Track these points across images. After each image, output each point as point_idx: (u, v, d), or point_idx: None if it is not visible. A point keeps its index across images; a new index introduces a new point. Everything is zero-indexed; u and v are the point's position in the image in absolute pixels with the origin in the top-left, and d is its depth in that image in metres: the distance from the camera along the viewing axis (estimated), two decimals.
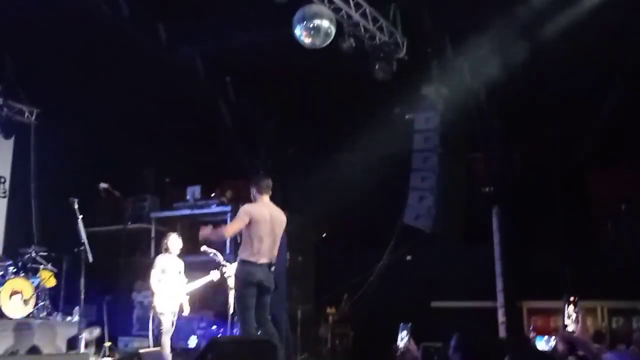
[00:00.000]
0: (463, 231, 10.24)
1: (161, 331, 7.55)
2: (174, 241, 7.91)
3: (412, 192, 9.48)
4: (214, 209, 11.90)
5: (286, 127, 11.06)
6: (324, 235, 11.57)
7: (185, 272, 8.05)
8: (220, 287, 8.48)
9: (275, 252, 6.59)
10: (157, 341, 7.65)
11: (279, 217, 6.72)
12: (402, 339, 6.56)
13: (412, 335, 6.56)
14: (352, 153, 10.81)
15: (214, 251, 7.91)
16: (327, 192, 10.24)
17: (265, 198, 6.72)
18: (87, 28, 9.36)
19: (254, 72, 10.26)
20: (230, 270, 7.62)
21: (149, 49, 9.72)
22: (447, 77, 9.58)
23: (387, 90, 9.17)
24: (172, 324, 7.67)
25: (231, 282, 7.73)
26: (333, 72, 9.23)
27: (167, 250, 7.86)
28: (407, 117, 9.92)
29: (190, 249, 12.01)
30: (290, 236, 9.48)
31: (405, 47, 9.05)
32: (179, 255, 8.01)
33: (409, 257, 11.16)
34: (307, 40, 7.85)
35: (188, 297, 7.91)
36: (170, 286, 7.66)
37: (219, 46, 9.61)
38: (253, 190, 6.75)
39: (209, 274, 8.03)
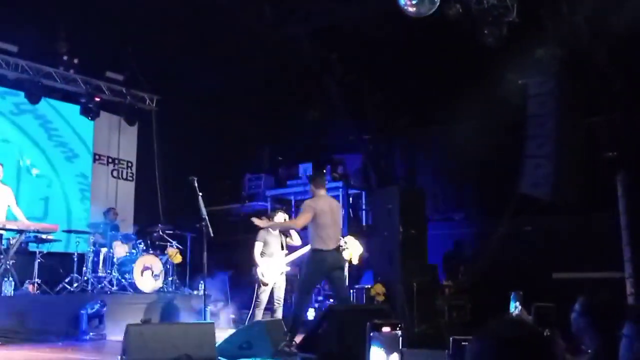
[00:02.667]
0: (584, 199, 9.74)
1: (257, 302, 7.80)
2: (279, 218, 8.10)
3: (527, 159, 9.12)
4: (326, 184, 12.07)
5: (394, 99, 10.97)
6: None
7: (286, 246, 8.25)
8: None
9: (340, 236, 7.37)
10: (273, 313, 7.90)
11: (337, 206, 7.57)
12: (516, 308, 6.39)
13: (524, 303, 6.37)
14: (463, 122, 10.57)
15: None
16: (437, 163, 10.09)
17: (323, 191, 7.43)
18: (201, 13, 9.73)
19: (360, 46, 10.25)
20: (348, 243, 7.75)
21: (259, 28, 9.94)
22: (563, 37, 9.08)
23: (498, 55, 8.85)
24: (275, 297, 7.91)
25: (347, 255, 7.85)
26: (440, 41, 9.04)
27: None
28: (520, 82, 9.52)
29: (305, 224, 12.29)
30: (403, 210, 9.45)
31: (515, 9, 8.66)
32: (282, 231, 8.20)
33: (528, 228, 10.77)
34: (411, 10, 7.71)
35: (289, 268, 8.11)
36: (271, 260, 7.87)
37: (324, 21, 9.67)
38: (312, 187, 7.42)
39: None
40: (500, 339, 1.77)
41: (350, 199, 12.31)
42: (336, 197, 12.20)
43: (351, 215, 12.05)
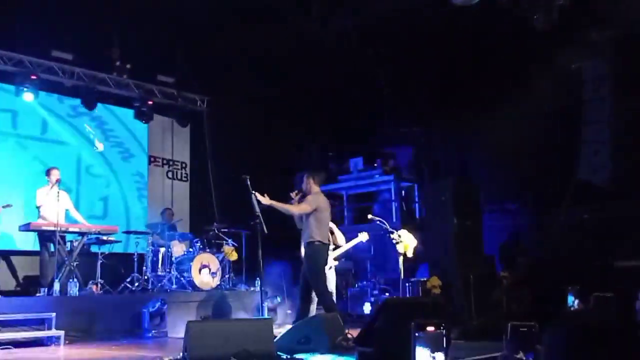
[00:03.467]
0: None
1: (311, 298, 7.80)
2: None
3: (584, 145, 8.90)
4: (377, 178, 12.07)
5: (445, 89, 10.85)
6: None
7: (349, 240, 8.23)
8: (390, 254, 8.62)
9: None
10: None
11: (329, 205, 7.51)
12: (574, 302, 6.26)
13: (583, 294, 6.23)
14: (516, 110, 10.36)
15: (380, 219, 8.03)
16: (491, 153, 9.93)
17: (319, 189, 7.42)
18: (248, 12, 9.84)
19: (408, 38, 10.16)
20: (402, 236, 7.71)
21: (305, 25, 9.99)
22: (618, 18, 8.80)
23: (549, 40, 8.65)
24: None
25: (400, 248, 7.81)
26: (489, 28, 8.89)
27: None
28: (573, 66, 9.28)
29: (356, 218, 12.32)
30: (457, 201, 9.34)
31: None
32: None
33: (586, 216, 10.50)
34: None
35: (337, 262, 8.08)
36: None
37: (371, 15, 9.64)
38: (310, 181, 7.32)
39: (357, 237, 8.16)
40: (578, 328, 1.76)
41: (402, 192, 12.24)
42: (387, 191, 12.21)
43: (404, 208, 11.99)
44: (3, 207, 8.19)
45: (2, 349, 6.77)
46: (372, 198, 12.68)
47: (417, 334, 4.39)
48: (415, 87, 11.31)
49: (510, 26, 8.65)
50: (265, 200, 7.16)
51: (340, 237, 8.03)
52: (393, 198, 12.00)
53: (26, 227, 8.50)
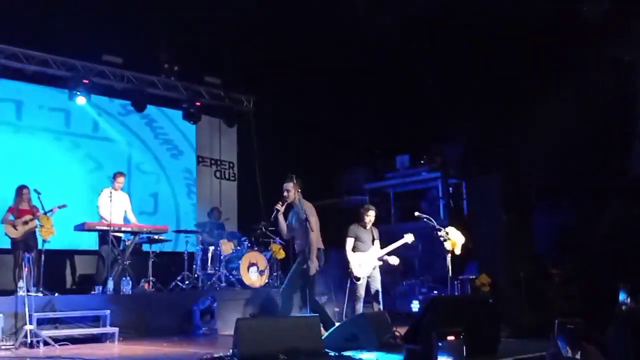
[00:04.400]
0: None
1: (356, 296, 7.80)
2: (369, 213, 8.04)
3: (638, 139, 8.64)
4: (424, 175, 11.96)
5: (493, 83, 10.67)
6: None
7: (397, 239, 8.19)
8: (438, 252, 8.55)
9: None
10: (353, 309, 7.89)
11: None
12: (625, 299, 6.10)
13: (633, 295, 6.06)
14: (566, 104, 10.12)
15: (428, 217, 7.98)
16: (541, 148, 9.73)
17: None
18: (292, 11, 9.90)
19: (456, 32, 10.05)
20: (450, 234, 7.65)
21: (351, 22, 9.99)
22: None
23: (601, 31, 8.42)
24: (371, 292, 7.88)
25: (448, 246, 7.75)
26: (539, 20, 8.70)
27: (362, 220, 8.04)
28: (626, 58, 9.01)
29: (403, 216, 12.24)
30: (507, 197, 9.21)
31: None
32: (375, 225, 8.14)
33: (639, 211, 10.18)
34: None
35: (381, 263, 8.04)
36: (364, 254, 7.86)
37: (416, 9, 9.57)
38: (297, 191, 7.14)
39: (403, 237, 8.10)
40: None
41: (450, 189, 12.11)
42: (434, 188, 12.10)
43: (452, 205, 11.85)
44: (59, 207, 8.45)
45: (60, 345, 7.00)
46: (419, 195, 12.57)
47: (440, 343, 4.42)
48: (464, 81, 11.16)
49: (562, 17, 8.45)
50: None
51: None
52: (440, 195, 11.88)
53: (81, 227, 8.76)
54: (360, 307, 7.72)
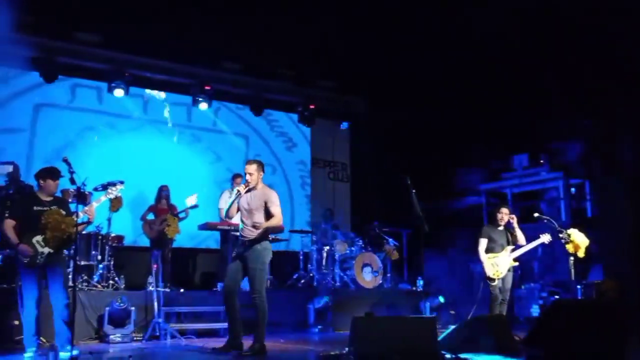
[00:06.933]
0: None
1: (492, 298, 7.61)
2: (503, 213, 7.85)
3: None
4: (544, 175, 11.54)
5: (617, 77, 10.08)
6: None
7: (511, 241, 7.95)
8: (558, 255, 8.22)
9: None
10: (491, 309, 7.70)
11: None
12: None
13: None
14: None
15: (548, 218, 7.70)
16: None
17: None
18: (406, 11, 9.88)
19: (574, 26, 9.60)
20: (572, 236, 7.34)
21: (463, 20, 9.82)
22: None
23: None
24: (502, 293, 7.66)
25: (571, 248, 7.43)
26: None
27: (494, 221, 7.86)
28: None
29: (521, 218, 11.83)
30: (634, 198, 8.70)
31: None
32: (507, 227, 7.92)
33: None
34: None
35: (517, 263, 7.79)
36: (498, 256, 7.66)
37: (533, 2, 9.24)
38: (261, 174, 6.54)
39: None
40: None
41: (572, 189, 11.59)
42: (554, 189, 11.62)
43: (573, 206, 11.34)
44: (190, 208, 8.91)
45: (185, 338, 7.40)
46: (538, 196, 12.13)
47: None
48: (583, 76, 10.64)
49: None
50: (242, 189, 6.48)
51: (521, 236, 7.75)
52: (561, 196, 11.40)
53: (204, 226, 9.19)
54: (497, 309, 7.55)
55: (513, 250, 7.71)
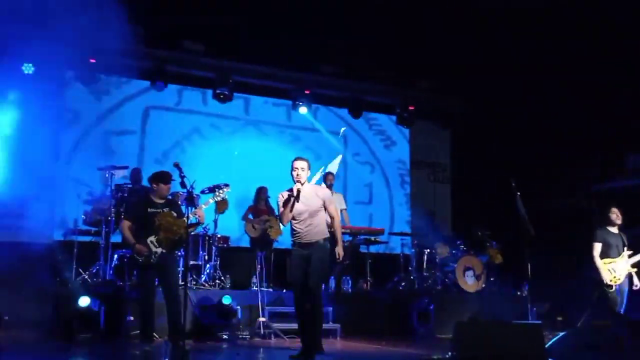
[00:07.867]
0: None
1: (610, 306, 7.25)
2: (615, 215, 7.48)
3: None
4: None
5: None
6: None
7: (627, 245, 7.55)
8: None
9: None
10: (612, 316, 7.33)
11: None
12: None
13: None
14: None
15: None
16: None
17: None
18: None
19: None
20: None
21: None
22: None
23: None
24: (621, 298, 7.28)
25: None
26: None
27: (608, 223, 7.50)
28: None
29: (634, 220, 11.18)
30: None
31: None
32: (620, 228, 7.54)
33: None
34: None
35: (635, 269, 7.38)
36: (615, 259, 7.30)
37: None
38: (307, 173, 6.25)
39: None
40: None
41: None
42: None
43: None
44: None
45: (288, 337, 7.55)
46: None
47: None
48: None
49: None
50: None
51: None
52: None
53: None
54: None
55: (631, 255, 7.33)
